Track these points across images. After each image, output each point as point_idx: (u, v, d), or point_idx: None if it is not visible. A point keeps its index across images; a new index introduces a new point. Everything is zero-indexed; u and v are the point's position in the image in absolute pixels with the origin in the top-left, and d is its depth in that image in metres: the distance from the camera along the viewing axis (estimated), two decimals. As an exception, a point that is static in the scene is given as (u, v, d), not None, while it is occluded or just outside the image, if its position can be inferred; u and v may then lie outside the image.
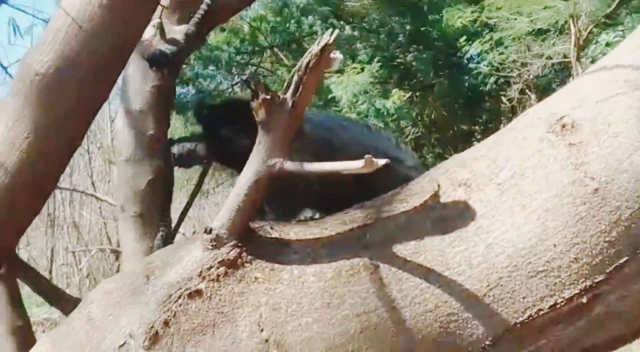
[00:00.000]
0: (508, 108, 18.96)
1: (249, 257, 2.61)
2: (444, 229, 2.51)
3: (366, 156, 2.33)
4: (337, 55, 2.42)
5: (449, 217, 2.53)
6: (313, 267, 2.57)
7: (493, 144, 2.66)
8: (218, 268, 2.59)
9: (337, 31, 2.38)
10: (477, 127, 20.73)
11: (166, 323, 2.56)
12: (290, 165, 2.52)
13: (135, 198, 3.99)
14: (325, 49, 2.39)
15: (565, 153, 2.45)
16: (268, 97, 2.43)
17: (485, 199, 2.51)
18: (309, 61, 2.40)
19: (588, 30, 16.74)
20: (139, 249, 3.89)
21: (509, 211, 2.46)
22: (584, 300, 2.40)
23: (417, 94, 19.22)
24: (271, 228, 2.71)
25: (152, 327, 2.56)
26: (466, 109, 20.42)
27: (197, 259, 2.62)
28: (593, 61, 16.07)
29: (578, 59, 16.49)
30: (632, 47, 2.64)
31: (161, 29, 4.08)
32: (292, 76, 2.44)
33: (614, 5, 16.57)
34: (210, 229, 2.60)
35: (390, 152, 3.22)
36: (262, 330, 2.51)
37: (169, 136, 4.12)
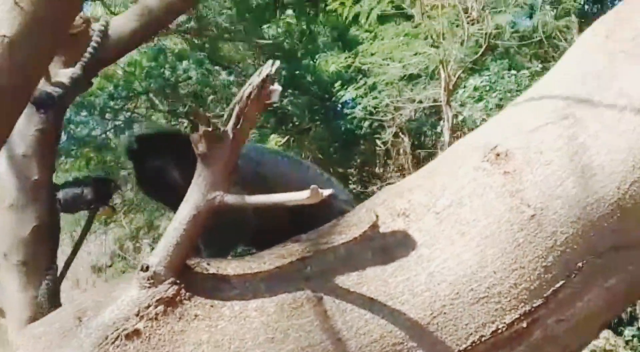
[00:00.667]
0: (382, 151, 19.41)
1: (188, 294, 2.55)
2: (385, 259, 2.53)
3: (312, 187, 2.33)
4: (276, 87, 2.42)
5: (389, 247, 2.55)
6: (254, 302, 2.53)
7: (428, 174, 2.70)
8: (156, 306, 2.51)
9: (277, 62, 2.37)
10: (352, 171, 21.10)
11: (103, 367, 2.47)
12: (231, 199, 2.49)
13: (19, 246, 3.81)
14: (266, 81, 2.38)
15: (500, 181, 2.51)
16: (209, 129, 2.39)
17: (425, 228, 2.54)
18: (250, 93, 2.38)
19: (457, 76, 17.33)
20: (23, 299, 3.73)
21: (449, 239, 2.50)
22: (524, 325, 2.45)
23: (294, 138, 19.42)
24: (208, 264, 2.66)
25: (88, 371, 2.47)
26: (342, 152, 20.75)
27: (134, 298, 2.54)
28: (462, 105, 16.68)
29: (448, 102, 17.02)
30: (558, 78, 2.74)
31: (46, 71, 3.94)
32: (232, 108, 2.42)
33: (480, 52, 17.26)
34: (147, 267, 2.53)
35: (322, 186, 3.22)
36: (204, 369, 2.45)
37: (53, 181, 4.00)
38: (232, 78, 16.06)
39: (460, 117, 16.90)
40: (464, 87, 17.00)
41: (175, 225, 2.53)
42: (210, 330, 2.49)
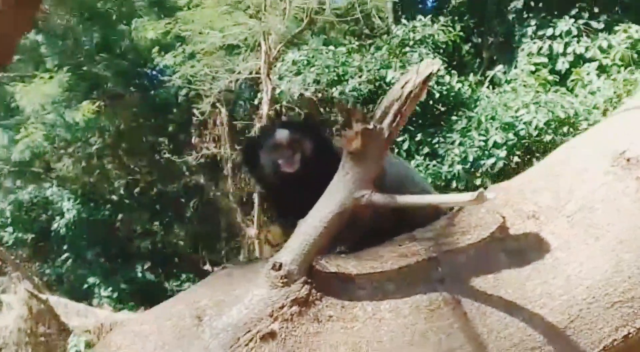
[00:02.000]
0: (198, 121, 19.43)
1: (319, 294, 2.47)
2: (520, 261, 2.52)
3: (480, 190, 2.30)
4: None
5: (522, 249, 2.54)
6: (387, 303, 2.48)
7: (549, 176, 2.69)
8: (291, 307, 2.43)
9: (439, 62, 2.32)
10: (163, 139, 21.00)
11: (237, 369, 2.37)
12: (380, 198, 2.42)
13: None
14: (429, 79, 2.32)
15: (634, 186, 2.53)
16: (369, 126, 2.31)
17: (557, 232, 2.54)
18: (411, 91, 2.32)
19: (277, 49, 17.57)
20: None
21: (583, 243, 2.51)
22: (653, 329, 2.49)
23: (106, 104, 19.16)
24: (326, 262, 2.58)
25: (220, 374, 2.36)
26: (156, 120, 20.64)
27: (265, 298, 2.44)
28: (281, 78, 16.93)
29: (268, 75, 17.25)
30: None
31: None
32: (387, 104, 2.35)
33: (301, 27, 17.55)
34: (280, 265, 2.44)
35: (423, 183, 3.18)
36: (344, 371, 2.39)
37: None
38: (39, 38, 15.87)
39: (278, 90, 17.14)
40: (283, 60, 17.25)
41: (315, 223, 2.45)
42: (346, 332, 2.43)
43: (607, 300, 2.46)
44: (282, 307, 2.43)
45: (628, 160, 2.57)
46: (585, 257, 2.49)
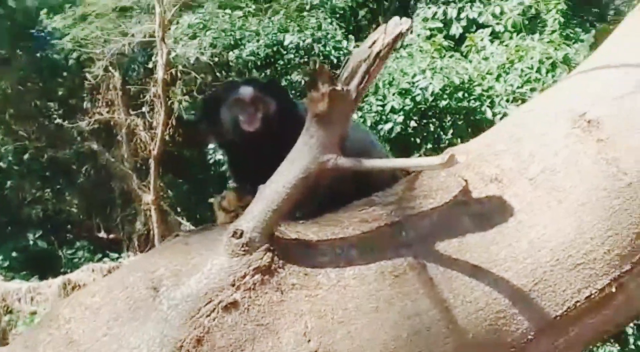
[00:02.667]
0: (90, 85, 19.14)
1: (281, 261, 2.37)
2: (484, 225, 2.48)
3: (449, 152, 2.24)
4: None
5: (486, 213, 2.51)
6: (351, 269, 2.40)
7: (509, 140, 2.66)
8: (253, 276, 2.33)
9: (409, 21, 2.24)
10: (53, 104, 20.58)
11: (199, 341, 2.26)
12: (346, 162, 2.33)
13: None
14: (398, 39, 2.24)
15: (595, 148, 2.52)
16: (337, 87, 2.22)
17: (520, 194, 2.52)
18: (380, 50, 2.23)
19: (172, 12, 17.42)
20: None
21: (546, 205, 2.49)
22: (613, 289, 2.50)
23: None
24: (285, 228, 2.48)
25: (180, 346, 2.25)
26: (44, 84, 20.23)
27: (225, 267, 2.33)
28: (176, 41, 16.81)
29: (163, 38, 17.12)
30: (630, 48, 2.78)
31: None
32: (354, 65, 2.26)
33: None
34: (241, 232, 2.32)
35: (377, 144, 3.09)
36: (309, 340, 2.31)
37: None
38: None
39: (173, 54, 17.01)
40: (178, 23, 17.12)
41: (278, 188, 2.34)
42: (310, 300, 2.35)
43: (570, 262, 2.45)
44: (244, 276, 2.32)
45: (589, 122, 2.56)
46: (548, 219, 2.48)
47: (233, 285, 2.31)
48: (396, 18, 2.26)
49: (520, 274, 2.43)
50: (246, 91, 3.04)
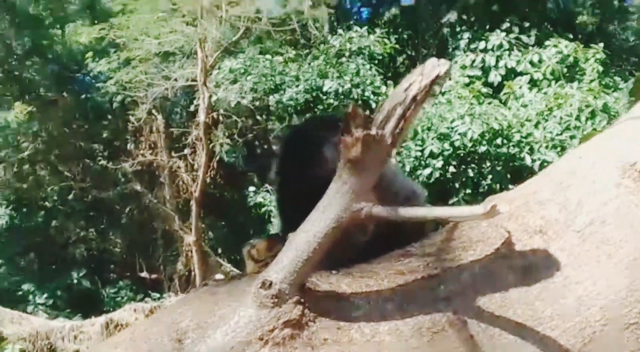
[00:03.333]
0: (134, 128, 19.33)
1: (312, 314, 2.24)
2: (528, 279, 2.33)
3: (489, 202, 2.11)
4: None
5: (530, 266, 2.35)
6: (386, 324, 2.26)
7: (555, 188, 2.51)
8: (282, 329, 2.19)
9: (448, 63, 2.12)
10: (98, 146, 20.83)
11: (225, 398, 2.13)
12: (381, 211, 2.20)
13: None
14: (435, 82, 2.12)
15: (647, 200, 2.38)
16: (371, 132, 2.10)
17: (567, 248, 2.36)
18: (416, 94, 2.12)
19: (214, 57, 17.55)
20: None
21: (595, 260, 2.33)
22: (667, 352, 2.33)
23: (39, 108, 18.93)
24: (317, 279, 2.35)
25: (205, 403, 2.12)
26: (89, 126, 20.53)
27: (253, 319, 2.20)
28: (217, 86, 16.94)
29: (204, 82, 17.26)
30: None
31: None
32: (389, 108, 2.14)
33: (238, 35, 17.54)
34: (270, 283, 2.20)
35: (419, 192, 2.96)
36: (341, 400, 2.17)
37: None
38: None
39: (214, 98, 17.10)
40: (219, 68, 17.24)
41: (308, 238, 2.21)
42: (343, 356, 2.20)
43: (622, 322, 2.29)
44: (272, 329, 2.19)
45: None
46: (597, 275, 2.32)
47: (261, 339, 2.18)
48: (434, 59, 2.16)
49: (568, 334, 2.27)
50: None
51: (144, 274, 20.62)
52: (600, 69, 15.64)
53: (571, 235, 2.38)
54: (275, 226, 16.20)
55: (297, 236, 2.25)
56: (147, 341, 2.27)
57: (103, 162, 19.70)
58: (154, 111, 19.27)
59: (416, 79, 2.14)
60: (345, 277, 2.40)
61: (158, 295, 18.41)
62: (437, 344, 2.24)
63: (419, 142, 14.08)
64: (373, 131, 2.11)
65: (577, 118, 13.98)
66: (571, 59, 15.92)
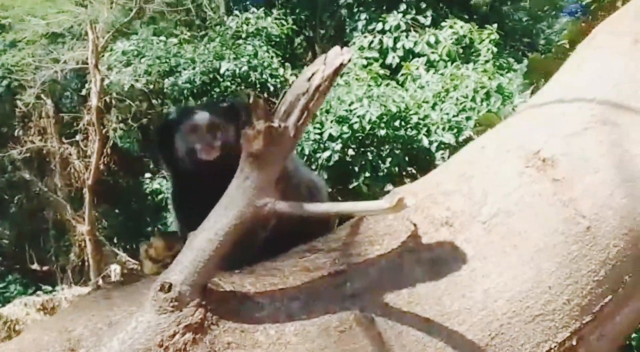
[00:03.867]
0: (22, 113, 18.82)
1: (214, 317, 2.14)
2: (435, 273, 2.29)
3: (395, 193, 2.05)
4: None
5: (437, 260, 2.31)
6: (292, 325, 2.18)
7: (459, 178, 2.47)
8: (183, 334, 2.09)
9: (351, 51, 2.05)
10: None
11: (123, 413, 2.01)
12: (284, 207, 2.12)
13: None
14: (339, 71, 2.05)
15: (551, 189, 2.36)
16: (273, 124, 2.01)
17: (473, 239, 2.33)
18: (320, 83, 2.03)
19: (106, 38, 17.23)
20: None
21: (501, 251, 2.31)
22: (573, 342, 2.32)
23: None
24: (219, 279, 2.25)
25: None
26: None
27: (152, 324, 2.09)
28: (110, 68, 16.65)
29: (96, 65, 16.94)
30: (585, 82, 2.63)
31: None
32: (292, 99, 2.05)
33: (130, 16, 17.27)
34: (170, 286, 2.09)
35: (320, 183, 2.88)
36: (245, 407, 2.08)
37: None
38: None
39: (107, 82, 16.82)
40: (111, 50, 16.96)
41: (209, 236, 2.11)
42: (248, 361, 2.12)
43: (528, 313, 2.27)
44: (173, 335, 2.08)
45: (543, 160, 2.40)
46: (503, 267, 2.29)
47: (161, 346, 2.07)
48: (337, 48, 2.07)
49: (475, 328, 2.24)
50: (202, 117, 2.82)
51: (35, 266, 20.00)
52: (495, 50, 15.87)
53: (477, 226, 2.35)
54: (172, 215, 15.93)
55: (198, 234, 2.15)
56: (38, 351, 2.13)
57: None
58: (42, 95, 18.64)
59: (319, 68, 2.06)
60: (249, 276, 2.32)
61: (50, 288, 17.87)
62: (344, 344, 2.17)
63: (318, 125, 14.02)
64: (276, 123, 2.02)
65: (473, 99, 14.16)
66: (467, 39, 16.11)
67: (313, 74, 2.06)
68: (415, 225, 2.36)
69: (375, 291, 2.25)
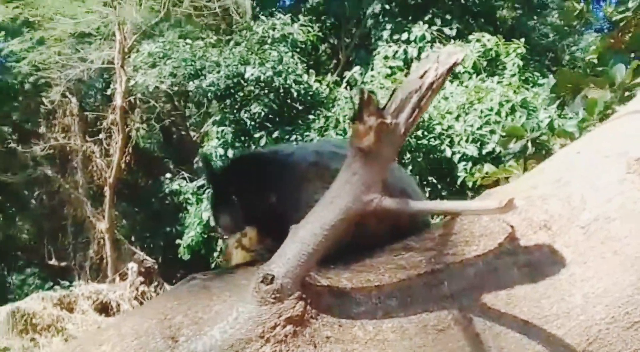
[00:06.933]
0: (47, 110, 18.82)
1: (314, 311, 2.12)
2: (534, 276, 2.26)
3: (488, 196, 2.04)
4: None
5: (535, 263, 2.28)
6: (389, 322, 2.16)
7: (556, 183, 2.44)
8: (284, 327, 2.07)
9: (466, 50, 2.02)
10: (7, 128, 20.14)
11: (226, 401, 1.99)
12: (391, 203, 2.09)
13: None
14: (452, 69, 2.02)
15: (653, 196, 2.33)
16: (386, 120, 1.99)
17: (572, 244, 2.30)
18: (433, 81, 2.01)
19: (133, 39, 17.23)
20: None
21: (600, 257, 2.27)
22: (669, 352, 2.29)
23: None
24: (317, 274, 2.23)
25: (205, 407, 1.98)
26: None
27: (254, 315, 2.07)
28: (135, 70, 16.64)
29: (122, 66, 16.94)
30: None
31: None
32: (403, 96, 2.03)
33: (158, 18, 17.25)
34: (272, 278, 2.07)
35: (414, 185, 2.84)
36: (345, 400, 2.05)
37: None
38: None
39: (132, 82, 16.80)
40: (138, 51, 16.94)
41: (315, 229, 2.09)
42: (347, 356, 2.09)
43: (627, 320, 2.23)
44: (274, 326, 2.06)
45: (644, 167, 2.36)
46: (603, 272, 2.26)
47: (262, 337, 2.05)
48: (450, 47, 2.10)
49: (573, 332, 2.21)
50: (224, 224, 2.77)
51: (53, 262, 20.05)
52: (521, 63, 15.83)
53: (576, 231, 2.32)
54: (191, 215, 15.92)
55: (302, 227, 2.13)
56: (137, 338, 2.11)
57: (13, 145, 19.06)
58: (67, 93, 18.70)
59: (431, 66, 2.03)
60: (344, 271, 2.29)
61: (67, 283, 17.91)
62: (442, 343, 2.15)
63: (341, 132, 14.03)
64: (388, 120, 2.00)
65: (498, 113, 14.11)
66: (493, 52, 16.07)
67: (425, 72, 2.04)
68: (512, 227, 2.33)
69: (473, 291, 2.23)
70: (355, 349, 2.10)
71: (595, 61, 5.31)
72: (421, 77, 2.04)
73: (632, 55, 5.08)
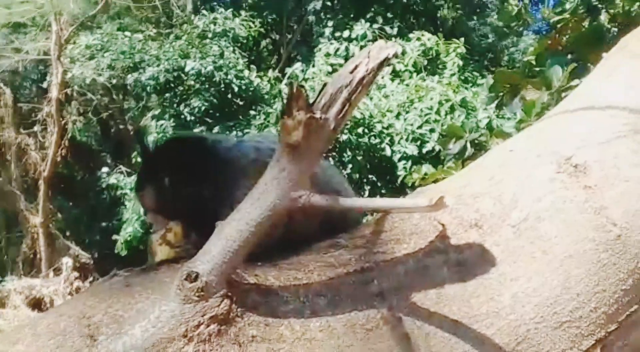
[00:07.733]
0: None
1: (239, 310, 2.06)
2: (464, 275, 2.24)
3: (419, 193, 2.01)
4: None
5: (465, 262, 2.26)
6: (317, 320, 2.11)
7: (488, 181, 2.43)
8: (208, 325, 2.01)
9: (397, 45, 1.99)
10: None
11: (144, 405, 1.92)
12: (319, 200, 2.05)
13: None
14: (384, 63, 1.99)
15: (582, 196, 2.32)
16: (315, 115, 1.94)
17: (502, 243, 2.28)
18: (364, 76, 1.97)
19: (70, 31, 17.04)
20: None
21: (530, 256, 2.26)
22: (597, 350, 2.29)
23: None
24: (243, 271, 2.18)
25: (122, 411, 1.91)
26: None
27: (176, 314, 2.01)
28: (72, 61, 16.46)
29: (59, 57, 16.73)
30: (616, 89, 2.61)
31: None
32: (333, 91, 1.99)
33: (96, 9, 17.08)
34: (196, 275, 2.01)
35: (346, 184, 2.80)
36: (269, 403, 2.01)
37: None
38: None
39: (69, 74, 16.64)
40: (75, 43, 16.80)
41: (241, 226, 2.03)
42: (273, 355, 2.04)
43: (555, 319, 2.22)
44: (198, 325, 2.00)
45: (575, 166, 2.36)
46: (532, 272, 2.25)
47: (185, 336, 1.98)
48: (381, 42, 2.02)
49: (502, 332, 2.19)
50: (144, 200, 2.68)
51: (-16, 257, 19.69)
52: (461, 63, 16.00)
53: (507, 230, 2.31)
54: (129, 210, 15.77)
55: (227, 224, 2.07)
56: (53, 337, 2.02)
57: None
58: (1, 84, 18.36)
59: (362, 61, 1.99)
60: (272, 269, 2.24)
61: (0, 278, 17.62)
62: (371, 342, 2.11)
63: (279, 129, 14.05)
64: (317, 114, 1.95)
65: (437, 112, 14.24)
66: (433, 52, 16.20)
67: (356, 66, 2.00)
68: (443, 225, 2.31)
69: (402, 290, 2.19)
70: (282, 348, 2.05)
71: (534, 62, 5.36)
72: (352, 71, 2.00)
73: (569, 56, 5.15)
